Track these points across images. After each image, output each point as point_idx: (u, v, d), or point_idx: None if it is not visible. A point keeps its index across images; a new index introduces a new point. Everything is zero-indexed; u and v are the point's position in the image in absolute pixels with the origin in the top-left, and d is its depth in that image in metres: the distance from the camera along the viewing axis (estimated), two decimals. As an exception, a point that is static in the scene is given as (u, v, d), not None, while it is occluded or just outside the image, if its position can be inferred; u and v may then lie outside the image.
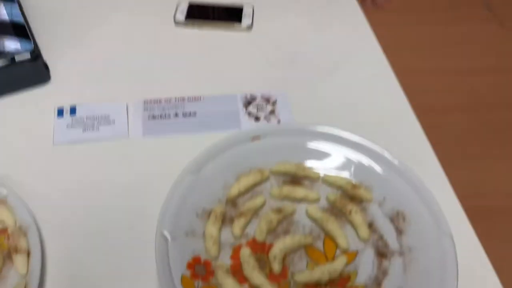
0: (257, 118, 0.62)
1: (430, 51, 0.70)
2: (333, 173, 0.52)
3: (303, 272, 0.45)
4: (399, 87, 0.66)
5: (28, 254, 0.46)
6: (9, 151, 0.56)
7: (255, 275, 0.43)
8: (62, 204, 0.52)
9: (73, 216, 0.51)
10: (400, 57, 0.71)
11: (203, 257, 0.45)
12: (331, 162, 0.52)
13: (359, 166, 0.51)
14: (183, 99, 0.63)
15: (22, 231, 0.47)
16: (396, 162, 0.51)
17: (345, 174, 0.52)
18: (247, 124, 0.61)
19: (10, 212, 0.48)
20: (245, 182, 0.50)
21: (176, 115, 0.61)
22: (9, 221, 0.48)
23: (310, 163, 0.52)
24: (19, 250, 0.46)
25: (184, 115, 0.61)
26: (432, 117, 0.64)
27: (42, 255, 0.46)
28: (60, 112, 0.60)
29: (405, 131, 0.61)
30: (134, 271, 0.47)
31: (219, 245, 0.46)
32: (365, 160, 0.52)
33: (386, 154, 0.51)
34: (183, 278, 0.42)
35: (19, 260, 0.45)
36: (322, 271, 0.44)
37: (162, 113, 0.61)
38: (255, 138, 0.53)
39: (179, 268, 0.42)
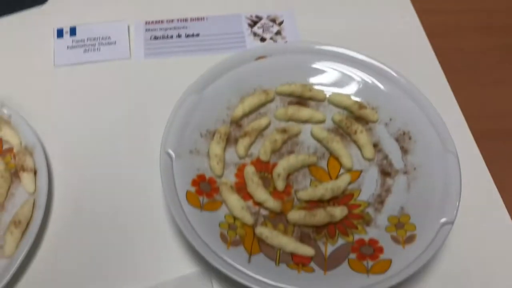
0: (262, 39, 0.60)
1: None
2: (339, 93, 0.51)
3: (306, 189, 0.45)
4: (411, 8, 0.63)
5: (35, 173, 0.46)
6: (10, 73, 0.55)
7: (259, 192, 0.44)
8: (65, 125, 0.51)
9: (76, 136, 0.51)
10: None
11: (207, 175, 0.45)
12: (337, 82, 0.51)
13: (366, 86, 0.50)
14: (185, 19, 0.61)
15: (28, 150, 0.48)
16: (403, 80, 0.49)
17: (352, 95, 0.50)
18: (253, 45, 0.59)
19: (14, 132, 0.49)
20: (250, 102, 0.49)
21: (179, 36, 0.59)
22: (14, 141, 0.48)
23: (316, 84, 0.51)
24: (26, 168, 0.46)
25: (187, 36, 0.59)
26: (444, 39, 0.62)
27: (49, 173, 0.47)
28: (60, 33, 0.58)
29: (416, 53, 0.59)
30: (140, 190, 0.47)
31: (224, 164, 0.46)
32: (372, 80, 0.50)
33: (394, 73, 0.50)
34: (188, 194, 0.42)
35: (26, 179, 0.46)
36: (325, 188, 0.44)
37: (164, 34, 0.59)
38: (260, 57, 0.52)
39: (184, 185, 0.43)
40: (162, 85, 0.55)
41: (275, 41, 0.59)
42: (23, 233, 0.43)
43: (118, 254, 0.44)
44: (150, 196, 0.47)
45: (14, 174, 0.47)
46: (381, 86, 0.50)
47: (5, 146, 0.49)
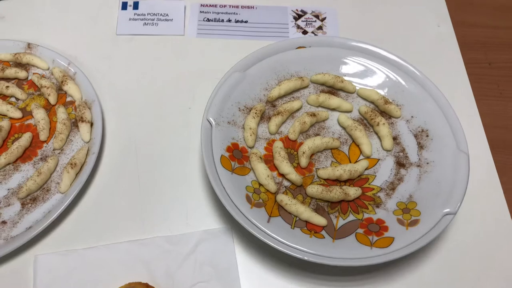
0: (305, 32, 0.65)
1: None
2: (368, 87, 0.55)
3: (326, 168, 0.50)
4: (448, 18, 0.67)
5: (91, 124, 0.53)
6: (78, 36, 0.62)
7: (284, 165, 0.49)
8: (121, 86, 0.58)
9: (129, 96, 0.57)
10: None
11: (241, 145, 0.51)
12: (368, 77, 0.56)
13: (394, 84, 0.55)
14: (237, 6, 0.66)
15: (87, 104, 0.54)
16: (429, 83, 0.54)
17: (380, 90, 0.55)
18: (295, 36, 0.64)
19: (77, 88, 0.55)
20: (286, 86, 0.54)
21: (229, 20, 0.65)
22: (76, 95, 0.55)
23: (348, 76, 0.56)
24: (84, 120, 0.53)
25: (237, 21, 0.65)
26: (475, 51, 0.65)
27: (103, 126, 0.54)
28: (124, 6, 0.65)
29: (446, 60, 0.63)
30: (181, 148, 0.54)
31: (256, 137, 0.51)
32: (400, 79, 0.55)
33: (421, 75, 0.54)
34: (222, 158, 0.48)
35: (84, 128, 0.52)
36: (344, 169, 0.49)
37: (216, 17, 0.65)
38: (300, 47, 0.57)
39: (219, 149, 0.48)
40: (210, 62, 0.61)
41: (316, 35, 0.64)
42: (77, 174, 0.50)
43: (155, 201, 0.50)
44: (189, 156, 0.53)
45: (74, 123, 0.54)
46: (408, 86, 0.54)
47: (68, 99, 0.56)
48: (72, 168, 0.49)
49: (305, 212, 0.46)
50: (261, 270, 0.47)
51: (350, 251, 0.44)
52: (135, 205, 0.50)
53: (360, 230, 0.46)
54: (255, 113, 0.52)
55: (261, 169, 0.48)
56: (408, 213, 0.47)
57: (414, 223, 0.46)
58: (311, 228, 0.46)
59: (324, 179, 0.50)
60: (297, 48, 0.57)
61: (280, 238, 0.44)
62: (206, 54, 0.62)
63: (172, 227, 0.49)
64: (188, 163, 0.53)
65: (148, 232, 0.49)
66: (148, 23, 0.63)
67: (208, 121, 0.50)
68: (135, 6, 0.65)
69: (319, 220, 0.46)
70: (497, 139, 0.57)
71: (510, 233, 0.50)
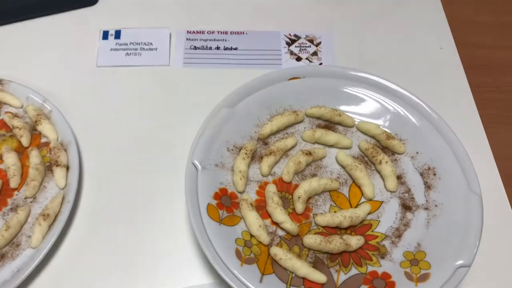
0: (298, 58, 0.61)
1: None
2: (369, 121, 0.51)
3: (325, 214, 0.45)
4: (452, 39, 0.63)
5: (67, 168, 0.48)
6: (55, 70, 0.58)
7: (278, 212, 0.44)
8: (101, 124, 0.54)
9: (110, 136, 0.53)
10: (459, 9, 0.67)
11: (229, 190, 0.46)
12: (368, 109, 0.51)
13: (396, 116, 0.50)
14: (226, 32, 0.62)
15: (63, 146, 0.50)
16: (434, 115, 0.49)
17: (381, 124, 0.51)
18: (288, 63, 0.60)
19: (53, 127, 0.51)
20: (279, 121, 0.50)
21: (218, 48, 0.61)
22: (51, 136, 0.51)
23: (346, 109, 0.52)
24: (60, 164, 0.48)
25: (226, 48, 0.61)
26: (482, 74, 0.61)
27: (80, 170, 0.49)
28: (105, 35, 0.60)
29: (451, 86, 0.59)
30: (164, 196, 0.49)
31: (246, 180, 0.47)
32: (404, 111, 0.50)
33: (426, 107, 0.50)
34: (209, 206, 0.43)
35: (59, 174, 0.48)
36: (344, 216, 0.44)
37: (204, 45, 0.61)
38: (293, 78, 0.52)
39: (206, 197, 0.44)
40: (197, 94, 0.56)
41: (311, 61, 0.60)
42: (50, 226, 0.45)
43: (137, 255, 0.45)
44: (173, 203, 0.48)
45: (49, 167, 0.49)
46: (412, 119, 0.50)
47: (43, 140, 0.51)
48: (44, 220, 0.45)
49: (302, 268, 0.41)
50: (254, 332, 0.42)
51: (353, 314, 0.39)
52: (115, 261, 0.45)
53: (365, 287, 0.41)
54: (245, 153, 0.47)
55: (253, 219, 0.44)
56: (416, 265, 0.42)
57: (423, 278, 0.41)
58: (309, 287, 0.41)
59: (323, 227, 0.45)
60: (289, 79, 0.52)
61: (274, 301, 0.39)
62: (193, 85, 0.57)
63: (156, 284, 0.44)
64: (174, 210, 0.48)
65: (129, 291, 0.44)
66: (131, 53, 0.59)
67: (194, 165, 0.45)
68: (117, 35, 0.60)
69: (318, 277, 0.41)
70: (510, 173, 0.52)
71: (529, 282, 0.45)
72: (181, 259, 0.46)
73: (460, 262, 0.41)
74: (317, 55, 0.61)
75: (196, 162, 0.45)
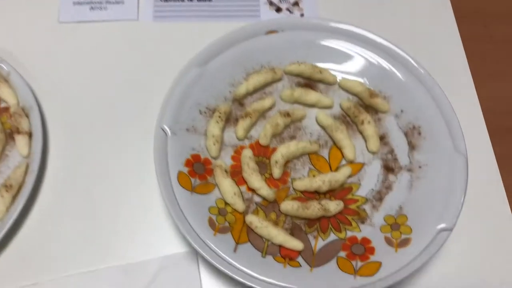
0: (278, 9, 0.56)
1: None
2: (351, 78, 0.48)
3: (303, 179, 0.43)
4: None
5: (30, 135, 0.45)
6: (12, 27, 0.53)
7: (254, 178, 0.42)
8: (65, 86, 0.50)
9: (76, 99, 0.49)
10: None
11: (202, 156, 0.43)
12: (351, 65, 0.48)
13: (381, 72, 0.47)
14: (199, -19, 0.57)
15: (24, 111, 0.47)
16: (421, 70, 0.46)
17: (364, 79, 0.47)
18: (267, 14, 0.56)
19: (12, 91, 0.47)
20: (255, 80, 0.47)
21: (190, -1, 0.56)
22: (11, 100, 0.47)
23: (328, 65, 0.48)
24: (21, 131, 0.45)
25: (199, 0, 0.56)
26: (473, 25, 0.57)
27: (44, 137, 0.46)
28: (66, -13, 0.55)
29: (441, 39, 0.55)
30: (135, 162, 0.46)
31: (221, 145, 0.44)
32: (388, 66, 0.47)
33: (413, 61, 0.47)
34: (180, 174, 0.41)
35: (21, 141, 0.45)
36: (323, 180, 0.42)
37: (175, -4, 0.56)
38: (271, 31, 0.49)
39: (176, 164, 0.41)
40: (169, 51, 0.52)
41: (291, 12, 0.56)
42: (14, 197, 0.43)
43: (107, 227, 0.43)
44: (146, 171, 0.45)
45: (10, 135, 0.46)
46: (398, 74, 0.47)
47: (2, 105, 0.48)
48: (7, 191, 0.42)
49: (279, 236, 0.40)
50: (231, 301, 0.41)
51: (330, 282, 0.38)
52: (85, 231, 0.43)
53: (343, 254, 0.40)
54: (219, 116, 0.44)
55: (227, 186, 0.41)
56: (397, 230, 0.41)
57: (404, 243, 0.39)
58: (285, 255, 0.40)
59: (301, 192, 0.43)
60: (267, 33, 0.48)
61: (248, 271, 0.37)
62: (164, 42, 0.53)
63: (129, 254, 0.43)
64: (146, 178, 0.45)
65: (100, 262, 0.42)
66: (95, 7, 0.54)
67: (163, 130, 0.42)
68: (79, -13, 0.55)
69: (295, 244, 0.40)
70: (496, 126, 0.50)
71: (513, 242, 0.44)
72: (155, 228, 0.44)
73: (442, 225, 0.39)
74: (298, 5, 0.56)
75: (165, 127, 0.42)
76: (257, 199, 0.43)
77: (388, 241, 0.40)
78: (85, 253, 0.42)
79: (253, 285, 0.37)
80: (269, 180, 0.44)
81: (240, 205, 0.41)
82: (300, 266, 0.39)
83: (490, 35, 0.57)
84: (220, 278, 0.42)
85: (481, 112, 0.50)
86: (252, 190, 0.43)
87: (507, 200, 0.46)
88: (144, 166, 0.46)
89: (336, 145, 0.46)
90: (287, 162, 0.45)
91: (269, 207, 0.42)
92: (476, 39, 0.56)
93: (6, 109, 0.47)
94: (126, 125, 0.48)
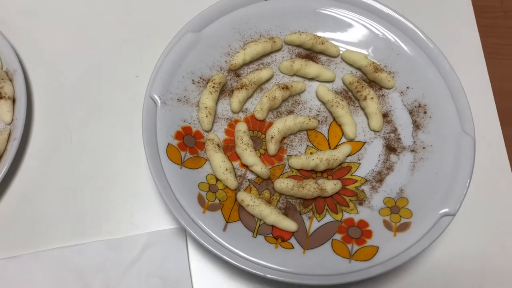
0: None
1: None
2: (355, 50, 0.45)
3: (299, 156, 0.41)
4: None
5: (13, 101, 0.43)
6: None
7: (248, 154, 0.40)
8: (52, 50, 0.47)
9: (63, 64, 0.47)
10: None
11: (194, 128, 0.41)
12: (355, 36, 0.45)
13: (387, 45, 0.44)
14: None
15: (8, 76, 0.44)
16: (430, 44, 0.43)
17: (369, 54, 0.45)
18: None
19: (-5, 53, 0.45)
20: (253, 49, 0.44)
21: (187, -40, 0.52)
22: (-6, 63, 0.45)
23: (331, 36, 0.45)
24: (4, 96, 0.43)
25: (197, -38, 0.52)
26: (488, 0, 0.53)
27: (28, 103, 0.44)
28: None
29: (453, 12, 0.52)
30: (124, 133, 0.44)
31: (214, 117, 0.42)
32: (395, 38, 0.44)
33: (421, 33, 0.44)
34: (169, 148, 0.39)
35: (3, 107, 0.43)
36: (320, 159, 0.40)
37: (171, -43, 0.52)
38: (271, -2, 0.45)
39: (165, 137, 0.39)
40: (164, 15, 0.49)
41: (294, -22, 0.52)
42: (-5, 166, 0.41)
43: (93, 198, 0.42)
44: (135, 142, 0.43)
45: (-8, 99, 0.44)
46: (405, 48, 0.44)
47: (-15, 68, 0.45)
48: (-12, 159, 0.40)
49: (271, 215, 0.37)
50: (219, 280, 0.39)
51: (323, 266, 0.36)
52: (69, 204, 0.41)
53: (338, 236, 0.38)
54: (213, 87, 0.42)
55: (219, 161, 0.39)
56: (397, 213, 0.38)
57: (403, 227, 0.37)
58: (277, 235, 0.38)
59: (297, 170, 0.41)
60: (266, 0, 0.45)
61: (238, 251, 0.36)
62: (157, 4, 0.50)
63: (114, 229, 0.41)
64: (135, 149, 0.43)
65: (84, 236, 0.40)
66: (86, -35, 0.51)
67: (152, 100, 0.40)
68: None
69: (288, 224, 0.38)
70: (509, 109, 0.47)
71: (518, 229, 0.42)
72: (142, 203, 0.42)
73: (444, 210, 0.37)
74: (302, -29, 0.53)
75: (155, 96, 0.40)
76: (250, 176, 0.40)
77: (387, 225, 0.38)
78: (68, 227, 0.41)
79: (241, 266, 0.35)
80: (264, 156, 0.41)
81: (232, 182, 0.39)
82: (293, 247, 0.37)
83: (505, 11, 0.53)
84: (209, 256, 0.40)
85: (491, 92, 0.47)
86: (246, 167, 0.40)
87: (514, 185, 0.43)
88: (133, 137, 0.43)
89: (336, 122, 0.43)
90: (284, 138, 0.42)
91: (262, 184, 0.40)
92: (490, 13, 0.52)
93: (-12, 72, 0.45)
94: (116, 94, 0.46)
